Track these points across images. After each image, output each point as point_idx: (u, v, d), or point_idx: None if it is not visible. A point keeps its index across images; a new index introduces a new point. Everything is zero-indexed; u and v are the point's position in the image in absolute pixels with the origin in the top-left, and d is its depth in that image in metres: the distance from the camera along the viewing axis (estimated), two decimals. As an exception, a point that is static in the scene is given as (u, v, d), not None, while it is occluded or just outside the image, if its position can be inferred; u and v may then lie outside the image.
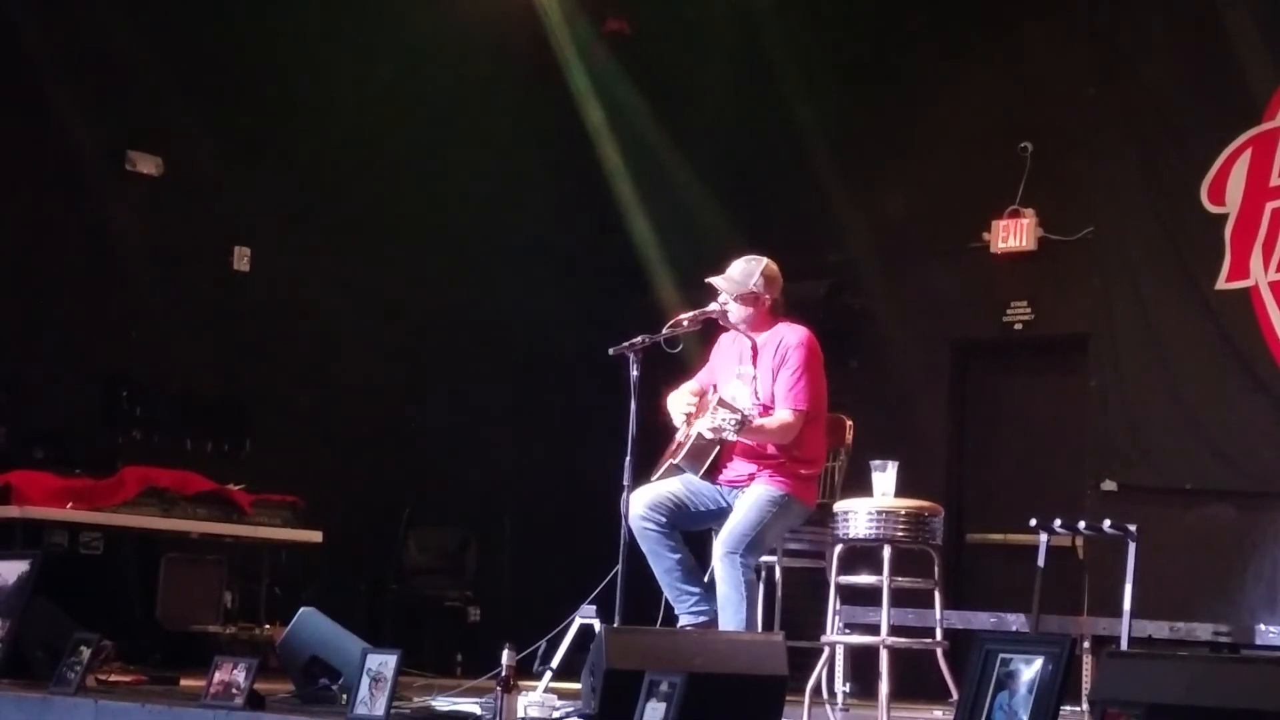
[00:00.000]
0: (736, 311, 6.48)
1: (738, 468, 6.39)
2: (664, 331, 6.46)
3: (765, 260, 6.53)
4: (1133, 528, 7.42)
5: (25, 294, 9.02)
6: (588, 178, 10.79)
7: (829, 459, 6.75)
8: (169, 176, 9.59)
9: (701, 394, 6.58)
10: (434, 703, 5.64)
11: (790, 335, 6.46)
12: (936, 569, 6.21)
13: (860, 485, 6.32)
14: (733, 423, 6.06)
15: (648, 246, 10.85)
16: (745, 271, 6.50)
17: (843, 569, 6.20)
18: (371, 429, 10.20)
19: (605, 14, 11.09)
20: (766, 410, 6.38)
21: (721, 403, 6.19)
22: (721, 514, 6.33)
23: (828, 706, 6.47)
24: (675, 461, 6.45)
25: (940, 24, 10.35)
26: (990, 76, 10.18)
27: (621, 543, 6.16)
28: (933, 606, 6.24)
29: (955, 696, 5.07)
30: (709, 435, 6.23)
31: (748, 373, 6.49)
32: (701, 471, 6.39)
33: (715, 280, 6.52)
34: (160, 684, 6.53)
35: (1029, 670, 4.01)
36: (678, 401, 6.55)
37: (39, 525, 8.03)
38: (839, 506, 6.20)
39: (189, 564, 8.68)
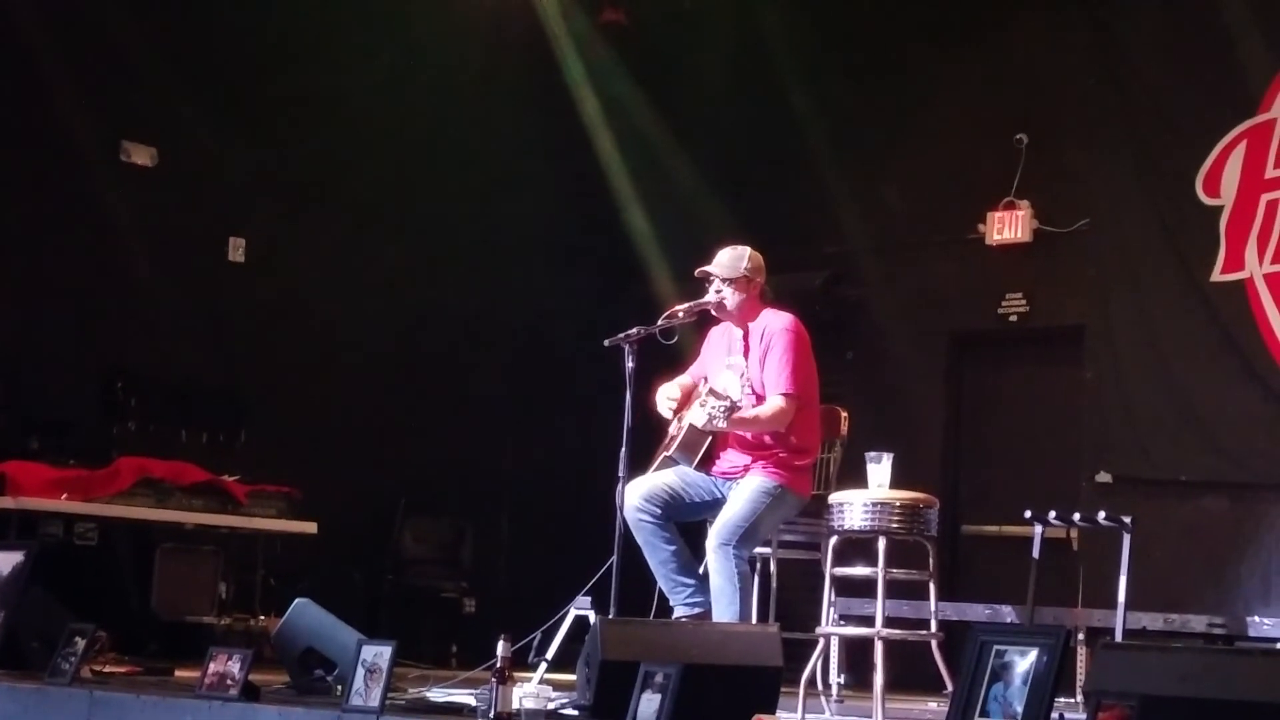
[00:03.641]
0: (732, 299, 6.48)
1: (732, 459, 6.39)
2: (660, 323, 6.46)
3: (748, 248, 6.56)
4: (1127, 519, 7.43)
5: (20, 284, 9.01)
6: (584, 169, 10.79)
7: (824, 450, 6.76)
8: (164, 167, 9.58)
9: (690, 389, 6.60)
10: (429, 694, 5.64)
11: (775, 322, 6.47)
12: (931, 560, 6.22)
13: (855, 477, 6.33)
14: (722, 410, 6.06)
15: (644, 238, 10.84)
16: (734, 257, 6.53)
17: (838, 560, 6.21)
18: (367, 420, 10.19)
19: (602, 5, 11.08)
20: (759, 400, 6.38)
21: (712, 392, 6.20)
22: (716, 505, 6.34)
23: (823, 698, 6.48)
24: (668, 453, 6.46)
25: (936, 15, 10.34)
26: (986, 68, 10.18)
27: (617, 534, 6.16)
28: (928, 598, 6.25)
29: (950, 688, 5.08)
30: (700, 425, 6.24)
31: (738, 363, 6.50)
32: (694, 463, 6.40)
33: (709, 267, 6.53)
34: (155, 675, 6.52)
35: (1024, 662, 4.01)
36: (663, 395, 6.56)
37: (34, 516, 8.02)
38: (834, 498, 6.20)
39: (184, 555, 8.67)
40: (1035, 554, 7.62)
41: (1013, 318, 10.01)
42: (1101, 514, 7.63)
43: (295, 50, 9.94)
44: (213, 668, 5.35)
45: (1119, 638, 7.13)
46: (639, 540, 6.28)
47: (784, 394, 6.32)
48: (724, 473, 6.40)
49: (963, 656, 4.14)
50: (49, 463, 8.34)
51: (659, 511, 6.29)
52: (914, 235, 10.36)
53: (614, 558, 6.12)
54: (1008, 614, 7.86)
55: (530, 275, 10.92)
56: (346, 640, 5.30)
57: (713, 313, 6.58)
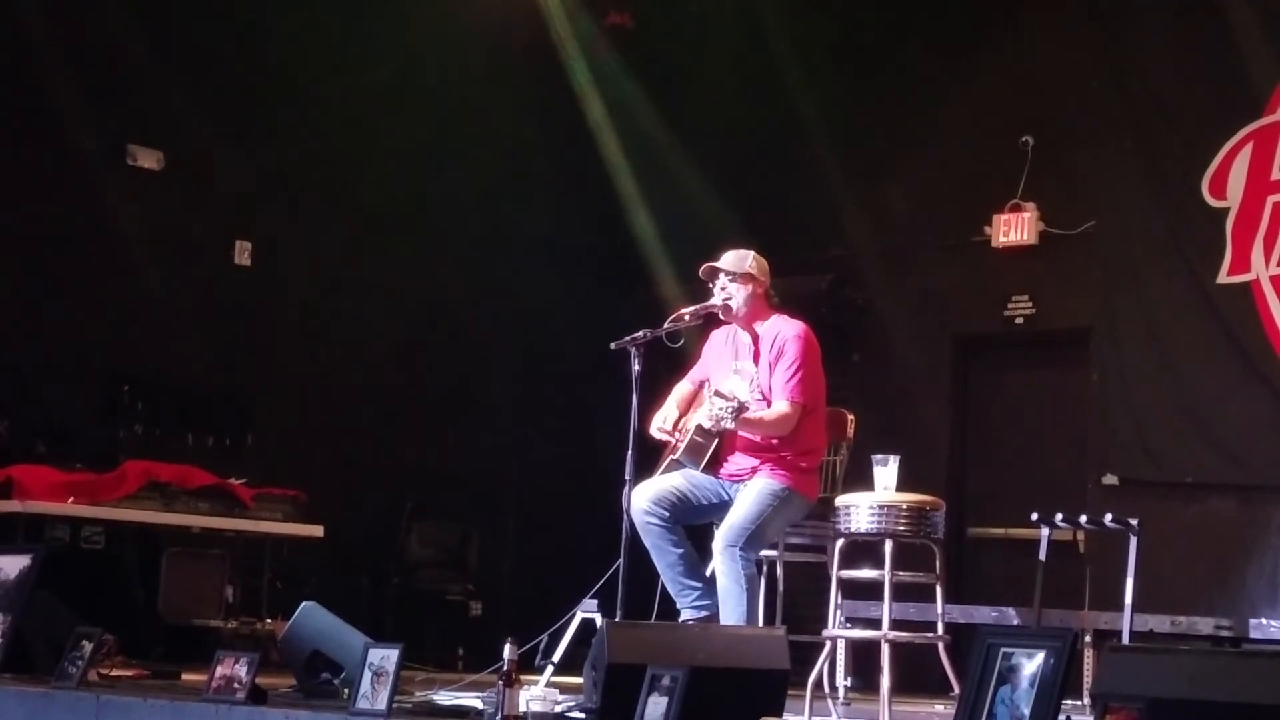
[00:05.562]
0: (738, 297, 6.48)
1: (739, 461, 6.40)
2: (666, 326, 6.47)
3: (752, 250, 6.58)
4: (1134, 522, 7.43)
5: (26, 288, 9.02)
6: (589, 172, 10.79)
7: (830, 453, 6.76)
8: (170, 170, 9.58)
9: (692, 396, 6.61)
10: (436, 697, 5.64)
11: (787, 328, 6.47)
12: (938, 563, 6.20)
13: (862, 479, 6.32)
14: (729, 411, 6.06)
15: (649, 241, 10.85)
16: (738, 256, 6.55)
17: (844, 563, 6.20)
18: (373, 423, 10.20)
19: (606, 8, 11.08)
20: (768, 405, 6.38)
21: (717, 393, 6.20)
22: (723, 507, 6.33)
23: (829, 700, 6.47)
24: (675, 456, 6.46)
25: (942, 17, 10.34)
26: (992, 70, 10.18)
27: (623, 537, 6.16)
28: (934, 601, 6.24)
29: (957, 690, 5.07)
30: (707, 426, 6.24)
31: (747, 368, 6.49)
32: (701, 465, 6.40)
33: (714, 263, 6.53)
34: (162, 678, 6.52)
35: (1031, 664, 4.01)
36: (657, 420, 6.54)
37: (40, 519, 8.02)
38: (840, 501, 6.20)
39: (190, 558, 8.66)
40: (1042, 556, 7.62)
41: (1019, 320, 10.00)
42: (1108, 516, 7.63)
43: (301, 54, 9.94)
44: (219, 671, 5.35)
45: (1126, 640, 7.13)
46: (646, 543, 6.28)
47: (791, 401, 6.33)
48: (731, 475, 6.40)
49: (969, 659, 4.15)
50: (55, 466, 8.34)
51: (666, 514, 6.30)
52: (919, 238, 10.35)
53: (620, 560, 6.12)
54: (1014, 616, 7.86)
55: (535, 278, 10.92)
56: (353, 643, 5.30)
57: (720, 315, 6.58)
